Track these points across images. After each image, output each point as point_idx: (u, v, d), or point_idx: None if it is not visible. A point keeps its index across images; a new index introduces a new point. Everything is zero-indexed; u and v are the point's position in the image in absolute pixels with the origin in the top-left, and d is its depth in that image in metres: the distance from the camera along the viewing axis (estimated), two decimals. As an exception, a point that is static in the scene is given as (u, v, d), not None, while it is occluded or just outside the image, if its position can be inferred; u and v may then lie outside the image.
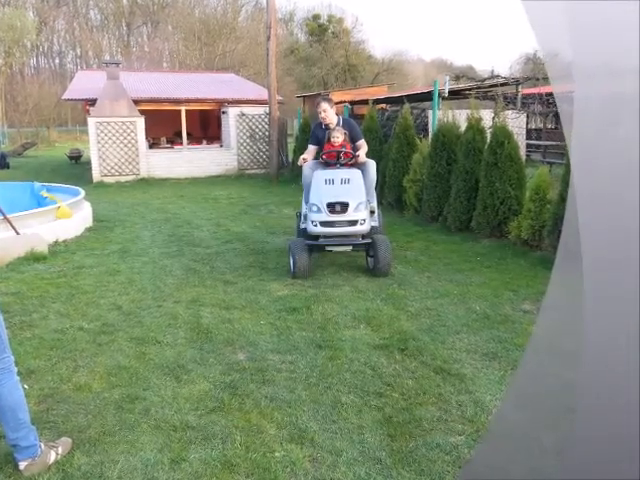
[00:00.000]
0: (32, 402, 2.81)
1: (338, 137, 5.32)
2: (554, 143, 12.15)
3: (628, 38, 1.04)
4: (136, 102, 14.41)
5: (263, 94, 15.89)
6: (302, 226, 5.38)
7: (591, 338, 1.18)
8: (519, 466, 1.37)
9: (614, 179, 1.14)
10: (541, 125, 14.93)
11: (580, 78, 1.14)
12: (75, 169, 18.12)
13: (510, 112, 10.11)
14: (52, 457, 2.37)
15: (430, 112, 10.29)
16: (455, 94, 12.95)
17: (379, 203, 6.26)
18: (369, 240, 5.10)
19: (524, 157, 9.29)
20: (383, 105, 16.71)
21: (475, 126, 6.71)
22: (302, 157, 5.48)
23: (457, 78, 13.74)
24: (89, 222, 7.72)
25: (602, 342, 1.17)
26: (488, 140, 6.53)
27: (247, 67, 39.70)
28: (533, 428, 1.34)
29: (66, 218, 6.86)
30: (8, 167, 18.25)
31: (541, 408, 1.34)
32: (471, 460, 2.29)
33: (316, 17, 47.13)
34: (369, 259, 5.30)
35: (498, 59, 73.85)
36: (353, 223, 4.97)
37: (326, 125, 5.51)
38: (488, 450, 1.58)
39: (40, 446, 2.36)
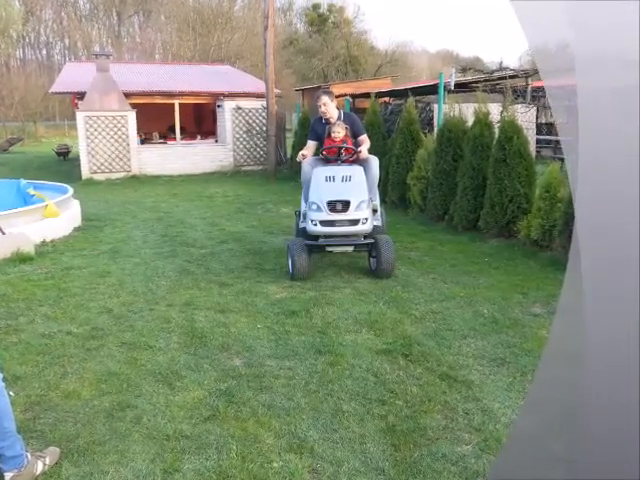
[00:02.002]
0: (18, 410, 2.81)
1: (339, 132, 5.32)
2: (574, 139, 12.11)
3: (635, 28, 1.05)
4: (127, 95, 14.41)
5: (260, 87, 15.90)
6: (301, 225, 5.38)
7: (591, 338, 1.19)
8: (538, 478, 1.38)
9: (621, 177, 1.14)
10: (552, 119, 14.93)
11: (585, 71, 1.14)
12: (63, 166, 18.13)
13: (519, 106, 10.11)
14: (39, 468, 2.37)
15: (435, 106, 10.30)
16: (461, 87, 12.96)
17: (382, 201, 6.26)
18: (371, 240, 5.10)
19: (534, 153, 9.30)
20: (386, 99, 16.72)
21: (482, 121, 6.71)
22: (301, 153, 5.48)
23: (464, 70, 13.73)
24: (78, 221, 7.72)
25: (602, 342, 1.18)
26: (496, 135, 6.53)
27: (244, 59, 39.75)
28: (550, 439, 1.35)
29: (54, 217, 6.87)
30: (-7, 164, 18.26)
31: (557, 417, 1.34)
32: (487, 474, 2.29)
33: (316, 6, 47.18)
34: (371, 260, 5.30)
35: (507, 50, 73.89)
36: (355, 222, 4.97)
37: (326, 119, 5.51)
38: (504, 463, 1.58)
39: (27, 456, 2.36)
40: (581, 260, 1.15)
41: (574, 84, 1.14)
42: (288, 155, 15.21)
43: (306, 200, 5.29)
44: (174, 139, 16.05)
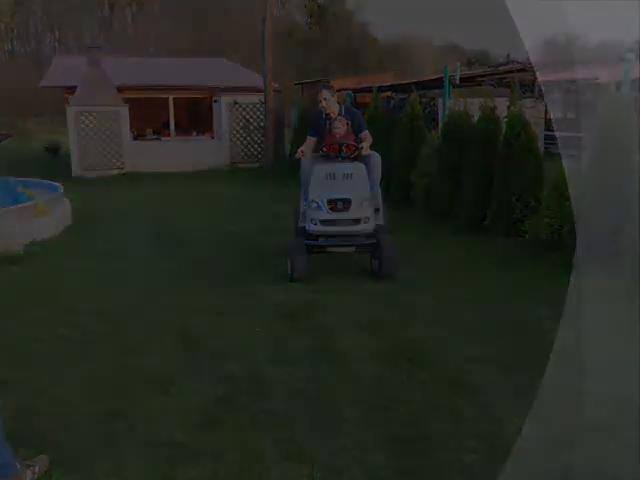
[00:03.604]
0: (6, 416, 2.80)
1: (340, 128, 5.31)
2: (577, 135, 12.14)
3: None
4: (120, 90, 14.40)
5: (258, 81, 15.88)
6: (301, 225, 5.38)
7: (588, 335, 1.19)
8: None
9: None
10: (561, 115, 14.90)
11: (585, 66, 1.14)
12: (53, 163, 18.10)
13: (527, 100, 10.11)
14: (28, 476, 2.37)
15: (440, 101, 10.30)
16: (467, 81, 12.94)
17: (384, 200, 6.25)
18: (373, 240, 5.10)
19: (542, 149, 9.30)
20: (389, 93, 16.73)
21: (489, 116, 6.71)
22: (300, 149, 5.48)
23: (469, 64, 13.75)
24: (68, 220, 7.72)
25: (603, 345, 1.19)
26: (503, 131, 6.53)
27: (241, 52, 39.72)
28: (558, 447, 1.35)
29: (44, 216, 6.86)
30: (-20, 161, 18.25)
31: (565, 425, 1.34)
32: None
33: (316, -3, 47.13)
34: (373, 261, 5.30)
35: (514, 43, 73.86)
36: (356, 221, 4.97)
37: (327, 115, 5.50)
38: (512, 472, 1.58)
39: (15, 465, 2.36)
40: (579, 258, 1.15)
41: (574, 79, 1.14)
42: (287, 151, 15.20)
43: (305, 198, 5.29)
44: (168, 135, 16.05)
